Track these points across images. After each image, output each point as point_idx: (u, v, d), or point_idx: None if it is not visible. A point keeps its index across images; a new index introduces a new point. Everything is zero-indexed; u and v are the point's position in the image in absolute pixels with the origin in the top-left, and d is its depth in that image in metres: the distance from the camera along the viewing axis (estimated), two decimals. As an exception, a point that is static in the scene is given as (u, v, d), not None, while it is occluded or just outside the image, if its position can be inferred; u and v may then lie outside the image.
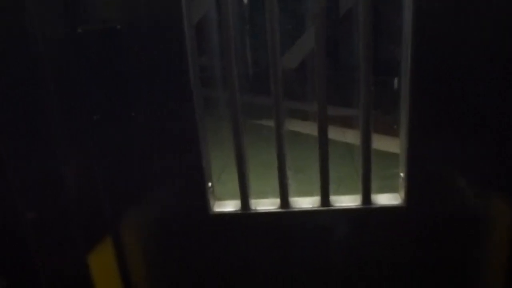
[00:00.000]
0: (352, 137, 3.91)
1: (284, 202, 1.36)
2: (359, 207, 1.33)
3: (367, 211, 1.32)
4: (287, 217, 1.37)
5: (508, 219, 1.29)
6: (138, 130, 1.31)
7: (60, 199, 1.18)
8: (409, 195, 1.29)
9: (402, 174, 1.31)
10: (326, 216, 1.35)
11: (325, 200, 1.34)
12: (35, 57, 1.10)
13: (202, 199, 1.37)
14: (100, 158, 1.31)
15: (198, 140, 1.30)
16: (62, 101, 1.18)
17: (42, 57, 1.11)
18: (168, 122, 1.30)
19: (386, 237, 1.35)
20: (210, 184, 1.38)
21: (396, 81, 1.27)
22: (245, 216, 1.39)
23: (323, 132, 1.27)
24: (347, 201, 1.35)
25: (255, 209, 1.38)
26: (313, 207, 1.35)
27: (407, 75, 1.18)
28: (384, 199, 1.34)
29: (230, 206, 1.41)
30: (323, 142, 1.28)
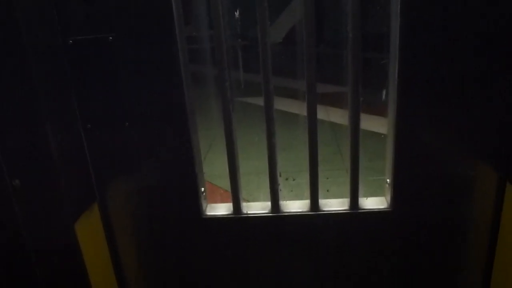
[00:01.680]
0: (335, 115, 3.95)
1: (275, 207, 1.40)
2: (347, 211, 1.38)
3: (355, 215, 1.38)
4: (278, 221, 1.42)
5: (490, 221, 1.36)
6: (132, 137, 1.32)
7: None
8: (395, 199, 1.35)
9: (388, 180, 1.36)
10: (315, 220, 1.40)
11: (314, 205, 1.39)
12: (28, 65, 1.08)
13: (195, 203, 1.40)
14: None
15: (192, 149, 1.32)
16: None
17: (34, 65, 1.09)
18: (163, 129, 1.31)
19: (373, 239, 1.41)
20: (202, 189, 1.42)
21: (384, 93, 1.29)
22: (237, 219, 1.43)
23: (313, 142, 1.30)
24: (335, 205, 1.40)
25: (247, 213, 1.42)
26: (302, 211, 1.40)
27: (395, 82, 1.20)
28: (371, 203, 1.39)
29: (222, 209, 1.45)
30: (314, 152, 1.31)
